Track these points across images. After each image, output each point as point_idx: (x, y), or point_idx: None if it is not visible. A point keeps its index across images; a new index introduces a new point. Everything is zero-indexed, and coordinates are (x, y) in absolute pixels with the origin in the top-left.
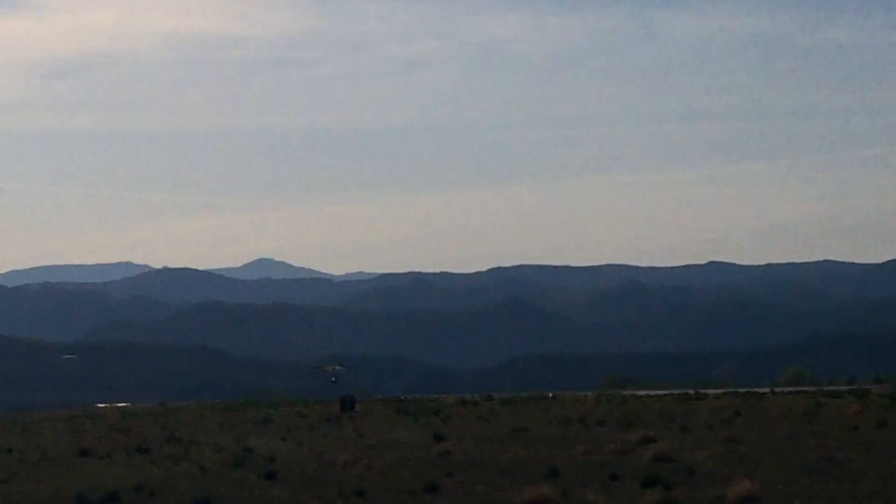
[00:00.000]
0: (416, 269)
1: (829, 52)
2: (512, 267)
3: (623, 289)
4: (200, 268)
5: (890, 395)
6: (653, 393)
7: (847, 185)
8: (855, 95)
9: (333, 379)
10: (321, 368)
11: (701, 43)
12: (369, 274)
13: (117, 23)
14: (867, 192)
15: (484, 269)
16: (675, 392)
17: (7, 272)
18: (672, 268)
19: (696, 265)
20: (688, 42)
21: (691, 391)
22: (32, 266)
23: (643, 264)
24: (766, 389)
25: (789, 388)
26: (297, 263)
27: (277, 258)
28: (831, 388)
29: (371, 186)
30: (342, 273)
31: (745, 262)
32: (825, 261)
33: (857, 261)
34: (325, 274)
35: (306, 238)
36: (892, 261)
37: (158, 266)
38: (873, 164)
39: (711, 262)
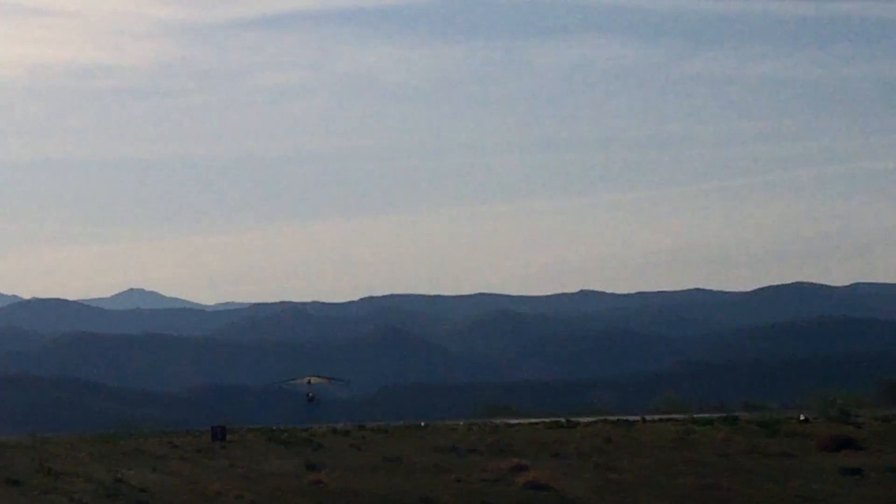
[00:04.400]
0: (289, 299)
1: (698, 84)
2: (384, 296)
3: (496, 317)
4: (71, 298)
5: (759, 421)
6: (525, 421)
7: (717, 215)
8: (722, 126)
9: (310, 395)
10: (289, 382)
11: (571, 73)
12: (241, 303)
13: None
14: (736, 221)
15: (356, 298)
16: (548, 420)
17: None
18: (544, 296)
19: (567, 294)
20: (558, 73)
21: (563, 419)
22: None
23: (515, 293)
24: (638, 417)
25: (660, 416)
26: (168, 293)
27: (148, 288)
28: (701, 415)
29: (242, 216)
30: (214, 303)
31: (616, 291)
32: (695, 289)
33: (726, 289)
34: (196, 304)
35: (177, 268)
36: (761, 289)
37: (28, 296)
38: (742, 193)
39: (582, 291)
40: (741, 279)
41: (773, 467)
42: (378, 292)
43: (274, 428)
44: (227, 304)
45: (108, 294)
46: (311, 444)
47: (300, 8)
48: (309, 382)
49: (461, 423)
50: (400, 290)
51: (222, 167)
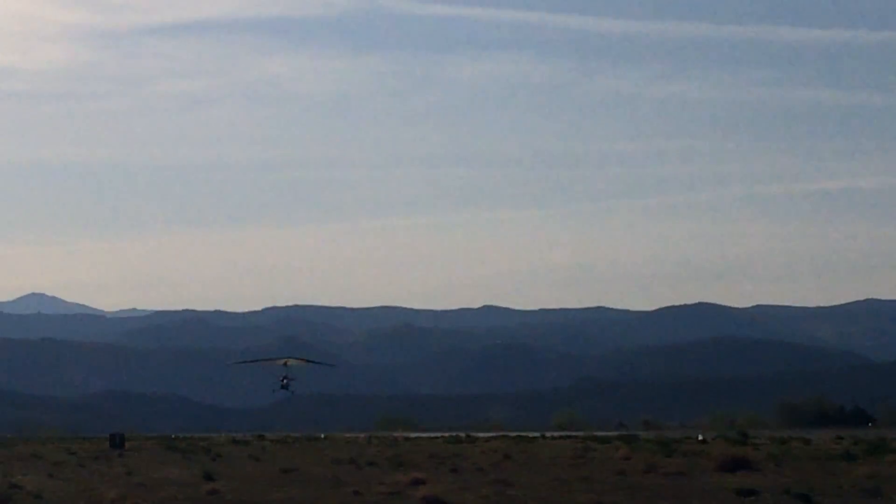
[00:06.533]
0: (191, 307)
1: (606, 102)
2: (287, 307)
3: (398, 331)
4: None
5: (657, 440)
6: (424, 435)
7: (621, 233)
8: (628, 145)
9: (284, 380)
10: (262, 362)
11: (480, 89)
12: (143, 311)
13: None
14: (641, 240)
15: (259, 308)
16: (447, 434)
17: None
18: (447, 311)
19: (470, 309)
20: (467, 88)
21: (463, 434)
22: None
23: (418, 307)
24: (537, 434)
25: (559, 433)
26: (69, 299)
27: (49, 293)
28: (601, 433)
29: (146, 222)
30: (115, 309)
31: (518, 307)
32: (598, 307)
33: (629, 308)
34: (97, 310)
35: (79, 273)
36: (662, 308)
37: None
38: (647, 212)
39: (486, 306)
40: (643, 298)
41: (670, 487)
42: (281, 303)
43: (172, 436)
44: (128, 310)
45: (9, 298)
46: (209, 453)
47: (209, 16)
48: (286, 364)
49: (361, 435)
50: (303, 300)
51: (127, 173)
